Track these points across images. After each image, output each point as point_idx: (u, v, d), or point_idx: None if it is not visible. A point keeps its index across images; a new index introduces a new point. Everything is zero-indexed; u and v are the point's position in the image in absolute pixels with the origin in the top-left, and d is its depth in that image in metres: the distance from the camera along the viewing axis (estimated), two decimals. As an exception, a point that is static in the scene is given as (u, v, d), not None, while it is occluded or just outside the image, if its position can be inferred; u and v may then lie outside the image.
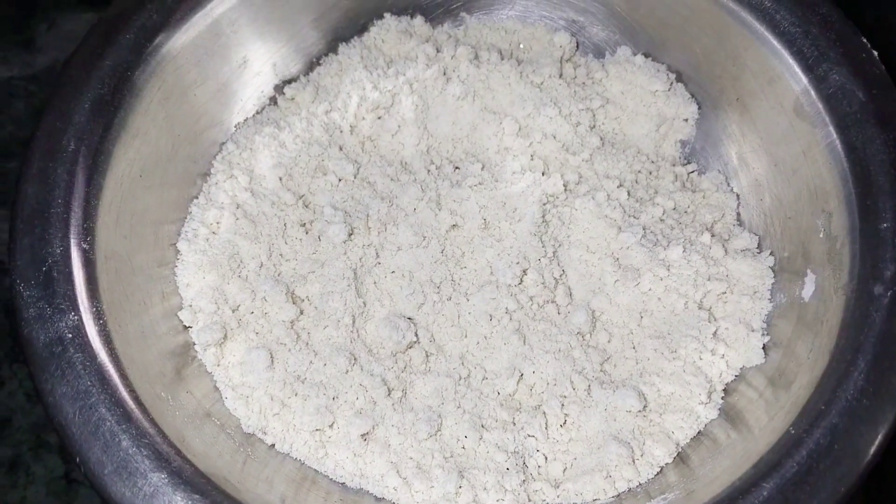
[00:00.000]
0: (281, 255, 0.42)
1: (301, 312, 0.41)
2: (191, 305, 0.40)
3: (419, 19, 0.48)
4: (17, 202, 0.37)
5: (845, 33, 0.39)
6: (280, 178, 0.44)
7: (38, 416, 0.45)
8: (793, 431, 0.33)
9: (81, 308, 0.35)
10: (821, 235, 0.38)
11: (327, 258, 0.42)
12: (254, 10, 0.44)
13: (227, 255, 0.41)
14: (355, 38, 0.48)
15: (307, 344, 0.40)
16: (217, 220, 0.43)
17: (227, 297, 0.41)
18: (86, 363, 0.34)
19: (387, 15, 0.48)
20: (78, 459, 0.32)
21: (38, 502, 0.44)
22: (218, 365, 0.39)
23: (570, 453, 0.38)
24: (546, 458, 0.38)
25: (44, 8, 0.54)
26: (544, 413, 0.38)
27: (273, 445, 0.38)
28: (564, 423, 0.38)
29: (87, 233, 0.37)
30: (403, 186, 0.44)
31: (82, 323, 0.34)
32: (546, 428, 0.38)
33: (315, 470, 0.37)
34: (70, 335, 0.34)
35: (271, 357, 0.39)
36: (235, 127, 0.46)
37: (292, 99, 0.47)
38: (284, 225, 0.43)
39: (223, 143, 0.45)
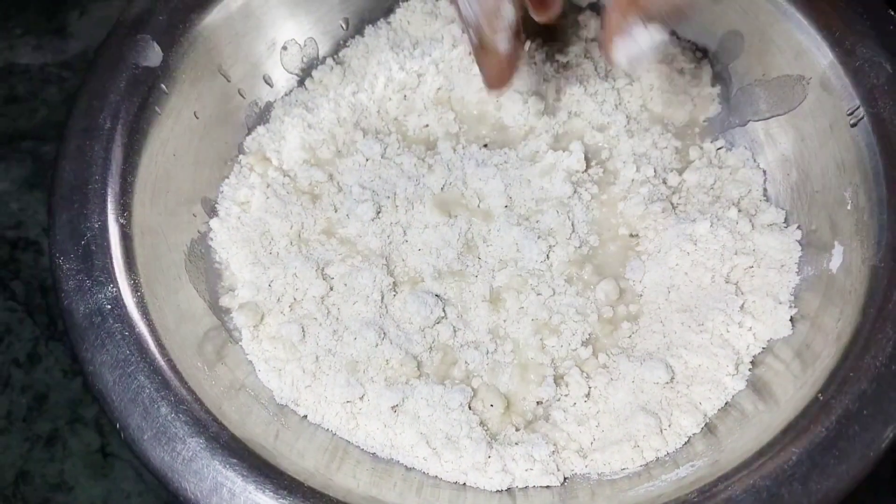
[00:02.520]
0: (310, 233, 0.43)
1: (331, 289, 0.41)
2: (224, 285, 0.41)
3: (444, 1, 0.49)
4: (55, 178, 0.38)
5: (872, 5, 0.39)
6: (308, 159, 0.45)
7: (75, 391, 0.46)
8: (821, 398, 0.33)
9: (119, 280, 0.36)
10: (848, 208, 0.38)
11: (355, 236, 0.43)
12: (283, -8, 0.45)
13: (259, 233, 0.42)
14: (381, 20, 0.49)
15: (337, 319, 0.41)
16: (247, 199, 0.44)
17: (259, 274, 0.41)
18: (124, 333, 0.35)
19: (411, -3, 0.49)
20: (118, 425, 0.33)
21: (76, 475, 0.45)
22: (252, 339, 0.40)
23: (599, 425, 0.38)
24: (574, 430, 0.38)
25: None
26: (568, 384, 0.39)
27: (305, 416, 0.38)
28: (589, 393, 0.39)
29: (124, 208, 0.38)
30: (430, 166, 0.45)
31: (121, 294, 0.35)
32: (572, 399, 0.39)
33: (346, 440, 0.38)
34: (109, 306, 0.35)
35: (303, 331, 0.40)
36: (264, 108, 0.46)
37: (320, 81, 0.48)
38: (313, 204, 0.44)
39: (253, 125, 0.46)
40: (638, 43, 0.35)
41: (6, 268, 0.49)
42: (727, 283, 0.40)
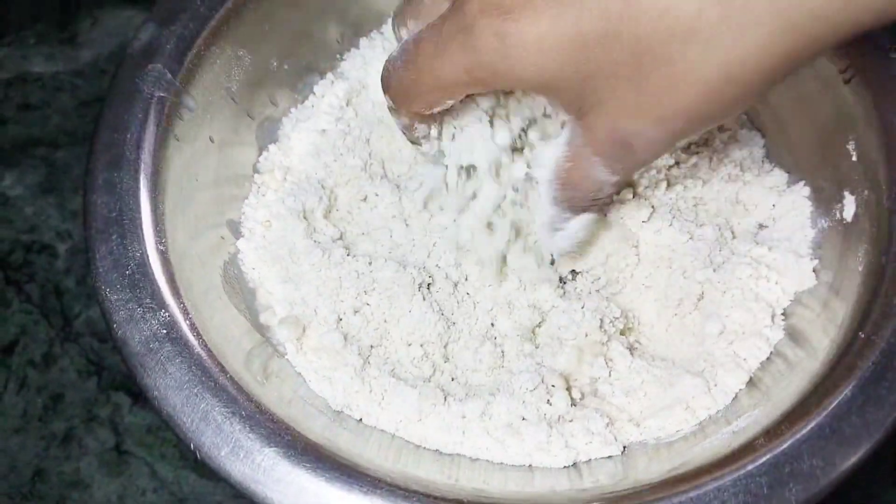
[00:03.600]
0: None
1: (365, 293, 0.42)
2: (261, 303, 0.42)
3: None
4: (88, 213, 0.38)
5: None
6: (318, 171, 0.46)
7: (90, 391, 0.48)
8: (862, 336, 0.35)
9: (170, 305, 0.36)
10: (853, 159, 0.40)
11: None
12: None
13: (287, 249, 0.43)
14: (374, 31, 0.50)
15: (379, 324, 0.41)
16: (267, 217, 0.44)
17: (291, 290, 0.42)
18: (184, 355, 0.35)
19: (403, 6, 0.50)
20: (192, 445, 0.33)
21: (92, 473, 0.46)
22: (297, 352, 0.40)
23: (647, 394, 0.39)
24: (622, 401, 0.39)
25: (87, 6, 0.58)
26: (612, 358, 0.40)
27: (361, 420, 0.39)
28: (631, 365, 0.40)
29: (161, 236, 0.38)
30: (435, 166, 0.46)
31: (174, 319, 0.35)
32: (617, 373, 0.40)
33: (404, 440, 0.39)
34: (164, 331, 0.35)
35: (344, 338, 0.40)
36: (272, 127, 0.47)
37: (322, 96, 0.48)
38: (329, 212, 0.45)
39: (264, 144, 0.46)
40: (573, 233, 0.38)
41: (21, 271, 0.51)
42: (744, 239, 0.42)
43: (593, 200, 0.36)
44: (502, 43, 0.30)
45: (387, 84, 0.37)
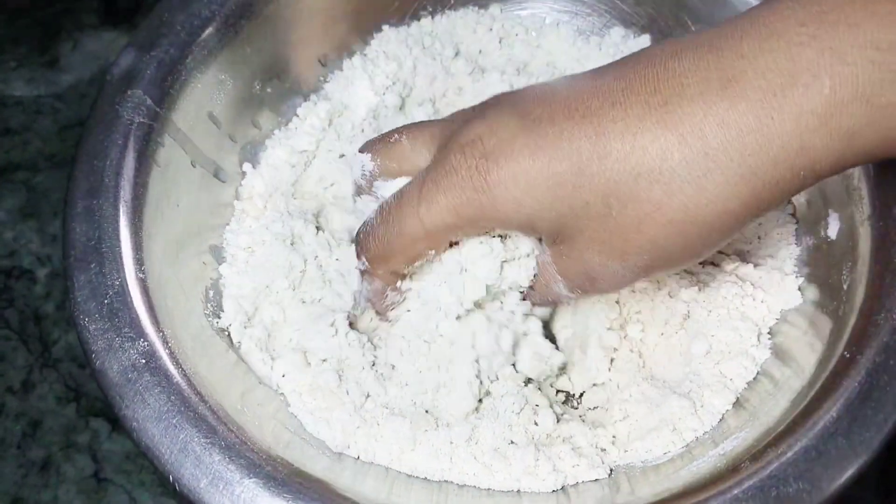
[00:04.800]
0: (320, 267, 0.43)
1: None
2: (248, 336, 0.41)
3: (416, 27, 0.50)
4: (67, 242, 0.37)
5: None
6: (300, 194, 0.46)
7: (69, 417, 0.48)
8: (847, 355, 0.35)
9: (149, 334, 0.35)
10: (836, 177, 0.40)
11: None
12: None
13: (269, 279, 0.42)
14: (357, 53, 0.50)
15: (372, 364, 0.41)
16: (249, 244, 0.44)
17: (276, 323, 0.41)
18: (163, 385, 0.34)
19: (385, 27, 0.50)
20: (171, 478, 0.33)
21: (70, 500, 0.46)
22: (292, 393, 0.39)
23: (634, 416, 0.39)
24: (610, 423, 0.39)
25: (68, 29, 0.58)
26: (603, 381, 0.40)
27: (358, 457, 0.38)
28: (618, 385, 0.40)
29: (140, 263, 0.37)
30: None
31: (153, 348, 0.35)
32: (605, 393, 0.40)
33: (397, 471, 0.38)
34: (143, 360, 0.35)
35: (339, 377, 0.39)
36: (255, 150, 0.47)
37: (305, 119, 0.48)
38: (315, 239, 0.44)
39: (246, 168, 0.46)
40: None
41: (0, 296, 0.50)
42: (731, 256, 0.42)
43: (546, 302, 0.38)
44: (485, 181, 0.32)
45: (364, 245, 0.37)
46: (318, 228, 0.44)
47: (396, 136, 0.37)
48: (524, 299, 0.38)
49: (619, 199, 0.30)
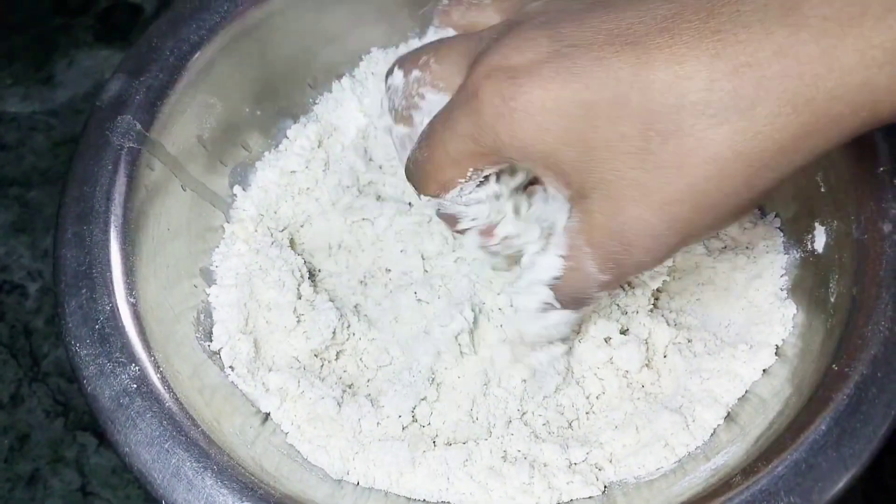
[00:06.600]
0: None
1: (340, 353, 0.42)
2: (239, 360, 0.41)
3: (403, 48, 0.51)
4: (58, 268, 0.37)
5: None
6: (290, 218, 0.46)
7: (56, 431, 0.48)
8: (836, 368, 0.35)
9: (140, 359, 0.36)
10: (822, 190, 0.41)
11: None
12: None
13: (256, 304, 0.42)
14: (346, 74, 0.50)
15: (366, 395, 0.41)
16: (237, 268, 0.44)
17: (268, 345, 0.42)
18: (154, 409, 0.34)
19: (373, 49, 0.50)
20: (164, 502, 0.33)
21: None
22: (290, 424, 0.39)
23: (627, 432, 0.39)
24: (604, 439, 0.39)
25: (63, 46, 0.59)
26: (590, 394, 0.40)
27: (358, 483, 0.38)
28: (611, 402, 0.40)
29: (131, 288, 0.37)
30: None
31: (144, 373, 0.35)
32: (598, 409, 0.40)
33: (397, 495, 0.38)
34: (135, 385, 0.35)
35: (338, 405, 0.40)
36: (244, 173, 0.47)
37: (295, 140, 0.48)
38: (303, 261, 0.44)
39: (235, 192, 0.46)
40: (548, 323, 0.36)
41: None
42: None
43: (574, 297, 0.34)
44: (505, 104, 0.29)
45: (408, 171, 0.35)
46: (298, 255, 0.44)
47: (425, 57, 0.34)
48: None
49: (661, 133, 0.27)
